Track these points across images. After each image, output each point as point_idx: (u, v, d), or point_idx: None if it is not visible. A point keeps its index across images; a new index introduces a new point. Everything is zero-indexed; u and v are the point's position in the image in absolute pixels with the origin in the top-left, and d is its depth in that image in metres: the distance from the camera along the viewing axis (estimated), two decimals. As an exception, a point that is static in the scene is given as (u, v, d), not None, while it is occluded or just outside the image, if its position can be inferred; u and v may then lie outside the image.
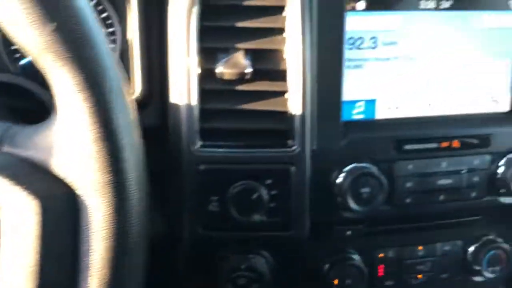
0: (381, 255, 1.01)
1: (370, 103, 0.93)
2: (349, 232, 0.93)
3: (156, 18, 0.87)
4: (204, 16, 0.83)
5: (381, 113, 0.94)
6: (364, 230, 0.95)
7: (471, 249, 1.05)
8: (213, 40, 0.83)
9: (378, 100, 0.93)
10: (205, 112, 0.85)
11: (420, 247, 1.02)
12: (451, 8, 0.91)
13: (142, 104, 0.87)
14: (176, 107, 0.85)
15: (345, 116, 0.92)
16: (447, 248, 1.04)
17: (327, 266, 0.98)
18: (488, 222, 1.06)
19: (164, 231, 0.92)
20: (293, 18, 0.82)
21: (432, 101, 0.95)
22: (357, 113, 0.93)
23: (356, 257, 0.99)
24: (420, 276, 1.03)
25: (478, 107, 0.97)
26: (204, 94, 0.84)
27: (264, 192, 0.84)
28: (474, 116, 0.97)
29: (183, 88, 0.84)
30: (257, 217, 0.83)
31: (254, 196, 0.83)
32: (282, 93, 0.85)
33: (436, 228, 1.02)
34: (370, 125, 0.93)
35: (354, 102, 0.92)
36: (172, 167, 0.88)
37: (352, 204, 0.87)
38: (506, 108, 0.99)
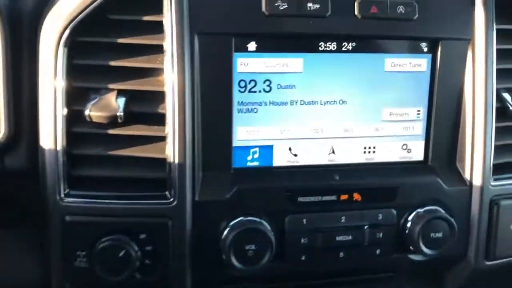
0: (284, 313, 0.93)
1: (267, 150, 0.86)
2: (239, 290, 0.86)
3: (27, 55, 0.79)
4: (74, 53, 0.76)
5: (278, 161, 0.86)
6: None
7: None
8: (83, 79, 0.76)
9: (276, 146, 0.86)
10: (74, 158, 0.77)
11: (325, 304, 0.95)
12: (354, 50, 0.85)
13: (7, 146, 0.79)
14: (43, 150, 0.77)
15: (237, 163, 0.84)
16: (353, 308, 0.97)
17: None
18: (406, 278, 0.99)
19: (37, 280, 0.84)
20: (172, 57, 0.75)
21: (335, 149, 0.89)
22: (251, 160, 0.86)
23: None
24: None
25: (387, 155, 0.90)
26: (73, 137, 0.77)
27: (134, 249, 0.76)
28: (380, 165, 0.90)
29: (50, 130, 0.76)
30: (124, 276, 0.75)
31: (121, 253, 0.75)
32: (160, 139, 0.78)
33: (344, 285, 0.94)
34: (264, 174, 0.85)
35: (248, 148, 0.85)
36: (43, 214, 0.80)
37: (235, 262, 0.79)
38: (419, 158, 0.92)
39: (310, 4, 0.80)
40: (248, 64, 0.81)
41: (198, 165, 0.80)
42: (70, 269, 0.77)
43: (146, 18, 0.75)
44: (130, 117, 0.77)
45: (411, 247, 0.88)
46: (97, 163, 0.78)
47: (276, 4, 0.79)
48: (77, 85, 0.75)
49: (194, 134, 0.78)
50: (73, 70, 0.75)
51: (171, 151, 0.76)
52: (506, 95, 0.92)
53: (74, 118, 0.76)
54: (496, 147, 0.91)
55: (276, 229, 0.82)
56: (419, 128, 0.91)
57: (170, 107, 0.75)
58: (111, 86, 0.76)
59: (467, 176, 0.91)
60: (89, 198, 0.76)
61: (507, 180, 0.91)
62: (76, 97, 0.76)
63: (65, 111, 0.75)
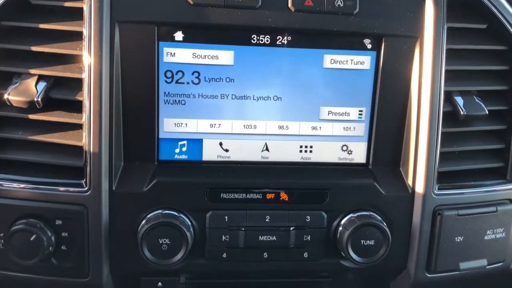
0: (211, 310, 0.91)
1: (196, 143, 0.84)
2: (160, 284, 0.84)
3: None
4: (-4, 37, 0.77)
5: (208, 155, 0.84)
6: (181, 283, 0.86)
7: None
8: (4, 63, 0.76)
9: (206, 140, 0.84)
10: (-5, 141, 0.78)
11: (256, 306, 0.92)
12: (290, 45, 0.81)
13: None
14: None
15: (164, 156, 0.83)
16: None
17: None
18: (348, 284, 0.95)
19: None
20: (89, 44, 0.75)
21: (269, 146, 0.85)
22: (179, 153, 0.84)
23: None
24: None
25: (325, 156, 0.86)
26: (-8, 121, 0.78)
27: (47, 234, 0.76)
28: (316, 165, 0.86)
29: (-29, 113, 0.78)
30: (36, 260, 0.76)
31: (32, 237, 0.75)
32: (78, 126, 0.77)
33: (275, 286, 0.91)
34: (190, 168, 0.83)
35: (176, 141, 0.83)
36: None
37: (148, 255, 0.77)
38: (360, 160, 0.88)
39: (239, -5, 0.77)
40: (175, 54, 0.79)
41: (118, 154, 0.79)
42: (-13, 250, 0.78)
43: (67, 4, 0.75)
44: (50, 103, 0.77)
45: (342, 253, 0.84)
46: (16, 147, 0.78)
47: (201, -6, 0.77)
48: (-1, 69, 0.76)
49: (112, 123, 0.77)
50: (-5, 54, 0.76)
51: (87, 139, 0.76)
52: (458, 99, 0.86)
53: (-5, 102, 0.77)
54: (444, 153, 0.85)
55: (197, 225, 0.81)
56: (361, 129, 0.86)
57: (87, 95, 0.75)
58: (31, 71, 0.76)
59: (409, 182, 0.85)
60: (6, 181, 0.77)
61: (452, 190, 0.85)
62: (-4, 81, 0.77)
63: (-16, 94, 0.76)
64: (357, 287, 0.95)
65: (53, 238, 0.77)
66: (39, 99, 0.75)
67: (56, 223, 0.77)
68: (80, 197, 0.77)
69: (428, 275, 0.87)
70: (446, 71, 0.83)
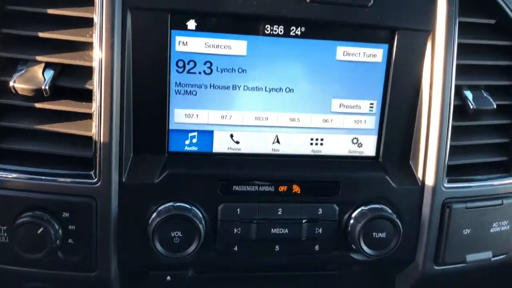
0: (219, 304, 0.90)
1: (206, 135, 0.82)
2: (168, 278, 0.83)
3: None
4: (2, 22, 0.73)
5: (219, 147, 0.83)
6: (189, 276, 0.85)
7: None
8: (10, 49, 0.73)
9: (216, 132, 0.83)
10: (-2, 130, 0.75)
11: (264, 300, 0.92)
12: (303, 36, 0.80)
13: None
14: (-35, 120, 0.75)
15: (174, 147, 0.81)
16: (296, 304, 0.93)
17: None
18: (354, 277, 0.95)
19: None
20: (100, 32, 0.72)
21: (280, 138, 0.84)
22: (190, 145, 0.82)
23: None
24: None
25: (336, 149, 0.86)
26: (-3, 109, 0.75)
27: (54, 227, 0.74)
28: (327, 158, 0.85)
29: (-27, 100, 0.74)
30: (43, 254, 0.73)
31: (39, 230, 0.72)
32: (87, 116, 0.75)
33: (286, 280, 0.91)
34: (201, 160, 0.81)
35: (187, 132, 0.82)
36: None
37: (160, 248, 0.76)
38: (370, 153, 0.88)
39: (253, -16, 0.76)
40: (188, 43, 0.78)
41: (128, 145, 0.77)
42: (-9, 243, 0.75)
43: (78, -11, 0.73)
44: (58, 92, 0.74)
45: (353, 246, 0.84)
46: (22, 137, 0.75)
47: (216, -18, 0.75)
48: (4, 55, 0.73)
49: (123, 113, 0.75)
50: (0, 40, 0.73)
51: (96, 129, 0.74)
52: (467, 93, 0.87)
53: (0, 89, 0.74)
54: (453, 147, 0.86)
55: (209, 218, 0.79)
56: (372, 122, 0.86)
57: (97, 83, 0.73)
58: (39, 58, 0.73)
59: (419, 175, 0.86)
60: (11, 172, 0.74)
61: (462, 183, 0.86)
62: (3, 68, 0.74)
63: (-11, 81, 0.73)
64: (363, 281, 0.96)
65: (60, 231, 0.74)
66: (47, 87, 0.72)
67: (63, 215, 0.75)
68: (88, 188, 0.75)
69: (436, 267, 0.88)
70: (457, 65, 0.84)
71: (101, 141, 0.73)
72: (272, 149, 0.84)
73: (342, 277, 0.93)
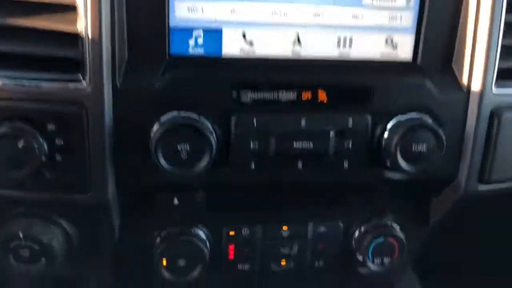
0: (232, 232, 0.80)
1: (214, 34, 0.69)
2: (176, 201, 0.72)
3: None
4: None
5: (229, 49, 0.70)
6: (199, 201, 0.74)
7: (356, 233, 0.85)
8: None
9: (226, 31, 0.70)
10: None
11: (285, 227, 0.81)
12: None
13: None
14: None
15: (176, 49, 0.68)
16: (321, 230, 0.83)
17: (157, 241, 0.78)
18: (381, 201, 0.85)
19: None
20: None
21: (301, 38, 0.71)
22: (195, 47, 0.69)
23: (197, 232, 0.78)
24: (283, 262, 0.83)
25: (367, 51, 0.73)
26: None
27: (38, 141, 0.62)
28: (355, 62, 0.72)
29: None
30: (26, 171, 0.62)
31: (20, 143, 0.61)
32: (71, 8, 0.62)
33: (304, 203, 0.80)
34: (209, 63, 0.69)
35: (190, 30, 0.69)
36: None
37: (164, 163, 0.65)
38: (406, 56, 0.75)
39: None
40: None
41: (122, 45, 0.65)
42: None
43: None
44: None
45: (387, 162, 0.73)
46: (-4, 34, 0.63)
47: None
48: None
49: (114, 4, 0.62)
50: None
51: (83, 24, 0.61)
52: (523, -19, 0.74)
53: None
54: (505, 47, 0.73)
55: (220, 130, 0.68)
56: (409, 18, 0.73)
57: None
58: None
59: (464, 80, 0.73)
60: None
61: (513, 88, 0.74)
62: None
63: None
64: (395, 205, 0.85)
65: (45, 145, 0.63)
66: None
67: (49, 127, 0.63)
68: (77, 94, 0.63)
69: (480, 186, 0.77)
70: None
71: (90, 37, 0.61)
72: (292, 51, 0.72)
73: (370, 201, 0.82)
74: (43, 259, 0.68)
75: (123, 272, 0.83)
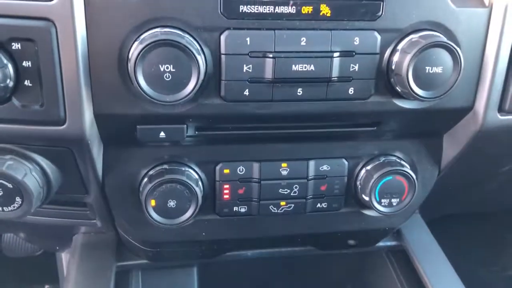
0: (226, 171, 0.73)
1: None
2: (162, 134, 0.65)
3: None
4: None
5: (218, -42, 0.62)
6: (189, 135, 0.67)
7: (362, 171, 0.78)
8: None
9: None
10: None
11: (284, 164, 0.74)
12: None
13: None
14: None
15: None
16: (324, 168, 0.76)
17: (144, 181, 0.71)
18: (390, 136, 0.78)
19: None
20: None
21: None
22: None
23: (188, 170, 0.72)
24: (283, 203, 0.77)
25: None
26: None
27: (2, 62, 0.54)
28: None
29: None
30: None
31: (-21, 65, 0.54)
32: None
33: (305, 138, 0.73)
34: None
35: None
36: None
37: (144, 86, 0.57)
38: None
39: None
40: None
41: None
42: None
43: None
44: None
45: (398, 87, 0.65)
46: None
47: None
48: None
49: None
50: None
51: None
52: None
53: None
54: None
55: (209, 51, 0.60)
56: None
57: None
58: None
59: (486, -6, 0.65)
60: None
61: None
62: None
63: None
64: (405, 141, 0.78)
65: (10, 68, 0.55)
66: None
67: (13, 47, 0.55)
68: (43, 7, 0.55)
69: (500, 117, 0.70)
70: None
71: None
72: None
73: (378, 136, 0.75)
74: (18, 199, 0.62)
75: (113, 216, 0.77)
